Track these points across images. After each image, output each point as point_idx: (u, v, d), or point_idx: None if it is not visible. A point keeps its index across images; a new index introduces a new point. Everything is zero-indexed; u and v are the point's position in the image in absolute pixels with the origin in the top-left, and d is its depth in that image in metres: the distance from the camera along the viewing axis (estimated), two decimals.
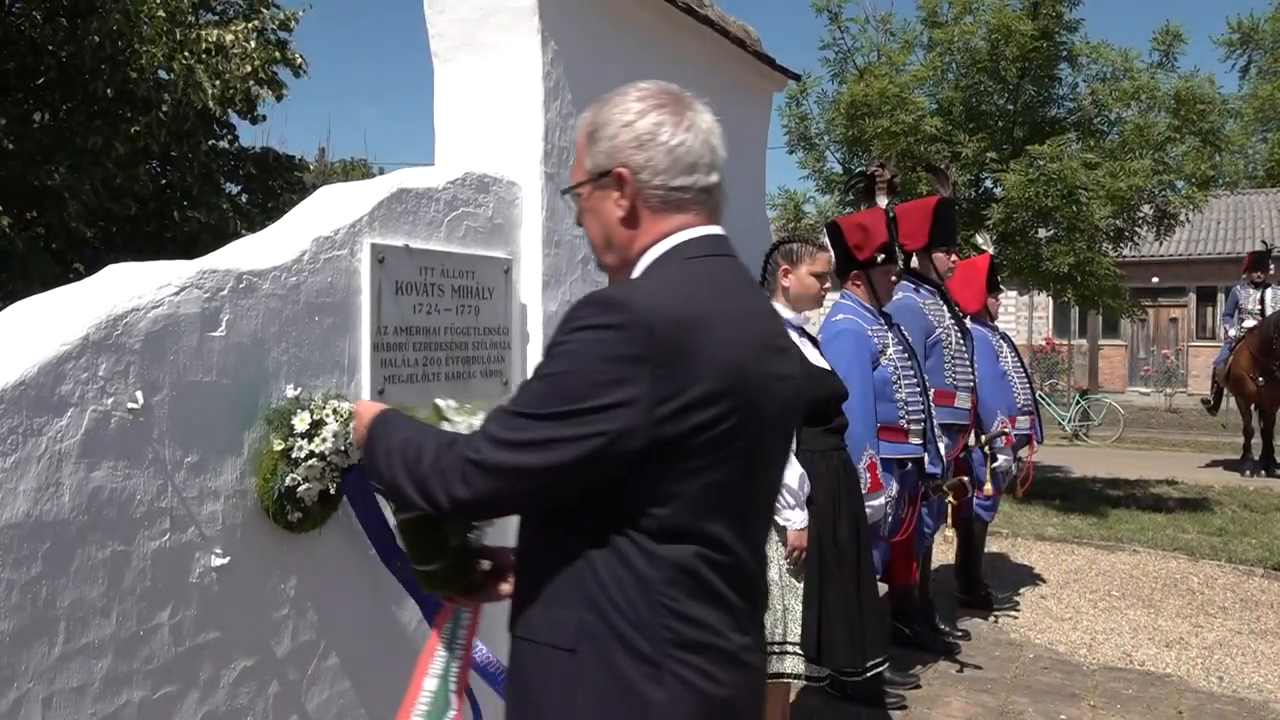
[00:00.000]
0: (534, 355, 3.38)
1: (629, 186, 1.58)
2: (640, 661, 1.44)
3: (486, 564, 1.83)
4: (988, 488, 5.40)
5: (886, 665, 3.81)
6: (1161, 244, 11.06)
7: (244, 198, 12.00)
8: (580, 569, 1.48)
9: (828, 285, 3.64)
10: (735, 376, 1.46)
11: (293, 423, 2.37)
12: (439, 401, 1.79)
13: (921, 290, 5.01)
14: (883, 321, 4.36)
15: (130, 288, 2.15)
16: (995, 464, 5.43)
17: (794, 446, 1.68)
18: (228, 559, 2.28)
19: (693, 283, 1.53)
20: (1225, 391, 12.22)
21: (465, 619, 1.93)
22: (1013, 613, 5.97)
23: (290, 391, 2.46)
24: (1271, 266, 12.20)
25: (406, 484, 1.55)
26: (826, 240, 4.36)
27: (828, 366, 3.59)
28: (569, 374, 1.43)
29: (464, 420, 1.73)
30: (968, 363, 5.11)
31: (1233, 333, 11.95)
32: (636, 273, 1.59)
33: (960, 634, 5.47)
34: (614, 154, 1.59)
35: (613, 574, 1.45)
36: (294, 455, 2.36)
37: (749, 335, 1.53)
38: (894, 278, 4.46)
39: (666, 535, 1.45)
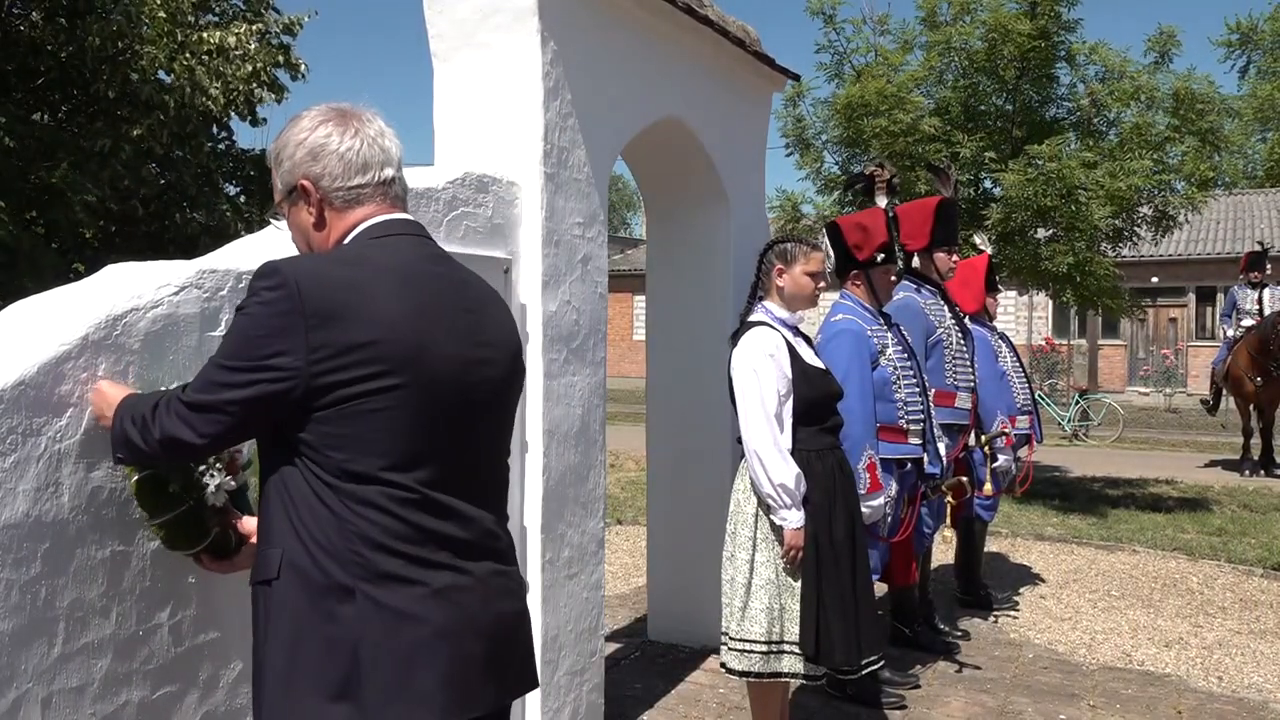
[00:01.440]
0: (533, 355, 3.39)
1: (313, 194, 1.80)
2: (334, 588, 1.63)
3: (249, 533, 2.05)
4: (987, 488, 5.40)
5: (883, 664, 3.81)
6: (1160, 244, 11.06)
7: (243, 199, 11.99)
8: (287, 510, 1.68)
9: (822, 285, 3.64)
10: (389, 332, 1.64)
11: None
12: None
13: (923, 290, 5.01)
14: (882, 321, 4.36)
15: (130, 288, 2.15)
16: (995, 464, 5.43)
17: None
18: None
19: (357, 253, 1.76)
20: (1224, 392, 12.23)
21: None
22: (1012, 613, 5.97)
23: None
24: (1269, 266, 12.21)
25: (133, 431, 1.77)
26: (823, 240, 4.36)
27: (823, 366, 3.59)
28: (242, 331, 1.67)
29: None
30: (968, 363, 5.11)
31: (1231, 333, 11.96)
32: None
33: (960, 634, 5.47)
34: (295, 170, 1.81)
35: (310, 511, 1.65)
36: None
37: (414, 298, 1.71)
38: (894, 278, 4.45)
39: (351, 477, 1.64)
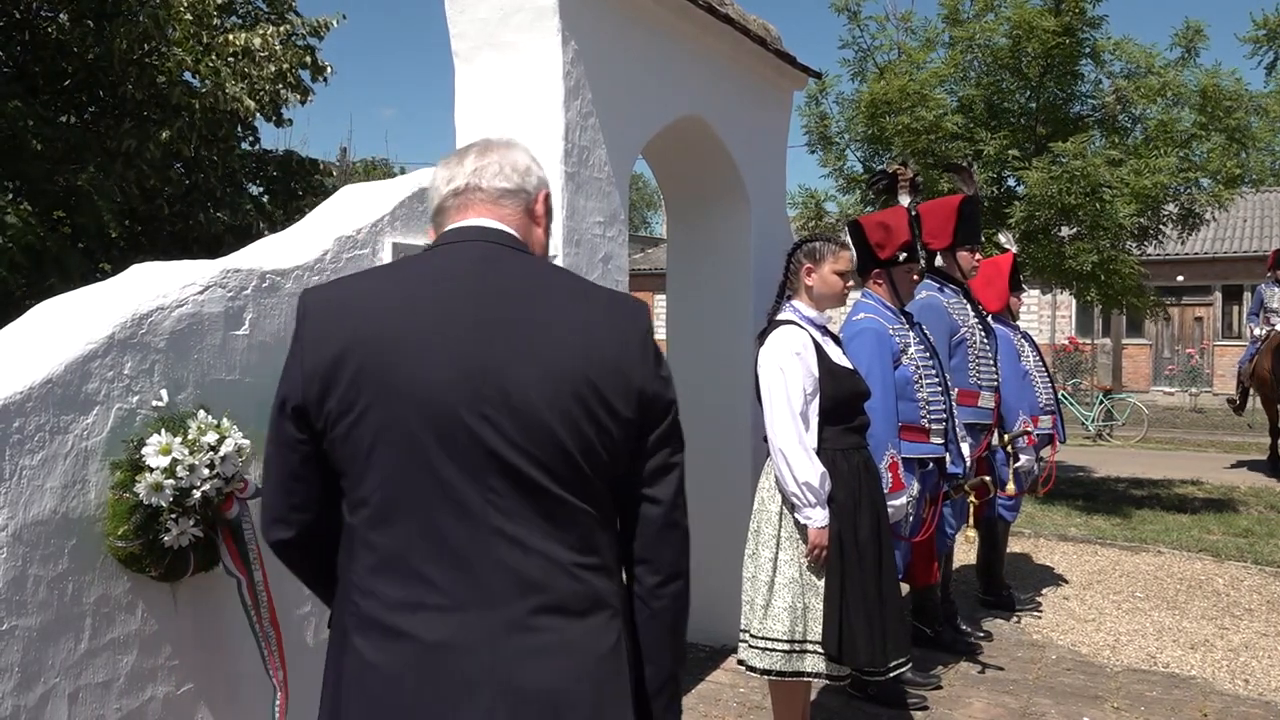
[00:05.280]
0: None
1: (431, 234, 1.76)
2: (340, 635, 1.55)
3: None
4: (1010, 488, 5.37)
5: (909, 665, 3.79)
6: (1186, 242, 10.95)
7: (266, 199, 12.09)
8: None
9: (850, 284, 3.63)
10: (355, 353, 1.52)
11: None
12: None
13: (946, 289, 4.98)
14: (904, 321, 4.34)
15: (155, 287, 2.17)
16: (1018, 464, 5.39)
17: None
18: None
19: (377, 272, 1.71)
20: (1251, 391, 12.09)
21: (247, 609, 2.16)
22: (1035, 614, 5.93)
23: None
24: None
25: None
26: (848, 238, 4.34)
27: (850, 366, 3.58)
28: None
29: None
30: (992, 362, 5.08)
31: (1258, 331, 11.81)
32: None
33: (982, 635, 5.44)
34: None
35: (342, 550, 1.58)
36: None
37: (393, 316, 1.55)
38: (916, 277, 4.43)
39: (352, 507, 1.55)
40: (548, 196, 1.77)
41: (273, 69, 10.55)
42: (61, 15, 9.81)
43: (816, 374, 3.40)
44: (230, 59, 10.23)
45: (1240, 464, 12.97)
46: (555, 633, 1.49)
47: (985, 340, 5.06)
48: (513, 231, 1.67)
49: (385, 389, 1.50)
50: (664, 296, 5.47)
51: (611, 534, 1.61)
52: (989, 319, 5.36)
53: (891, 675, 3.71)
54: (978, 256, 5.18)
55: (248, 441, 2.13)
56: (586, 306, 1.61)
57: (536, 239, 1.73)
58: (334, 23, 11.88)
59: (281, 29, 10.95)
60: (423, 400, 1.50)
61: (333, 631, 1.60)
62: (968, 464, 4.64)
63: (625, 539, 1.63)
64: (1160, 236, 9.95)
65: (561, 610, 1.50)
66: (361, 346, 1.52)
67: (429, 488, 1.50)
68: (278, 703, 2.17)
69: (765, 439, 3.44)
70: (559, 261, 3.40)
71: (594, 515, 1.56)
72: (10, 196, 8.60)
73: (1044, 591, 6.42)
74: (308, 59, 11.12)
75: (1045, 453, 6.11)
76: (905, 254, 4.30)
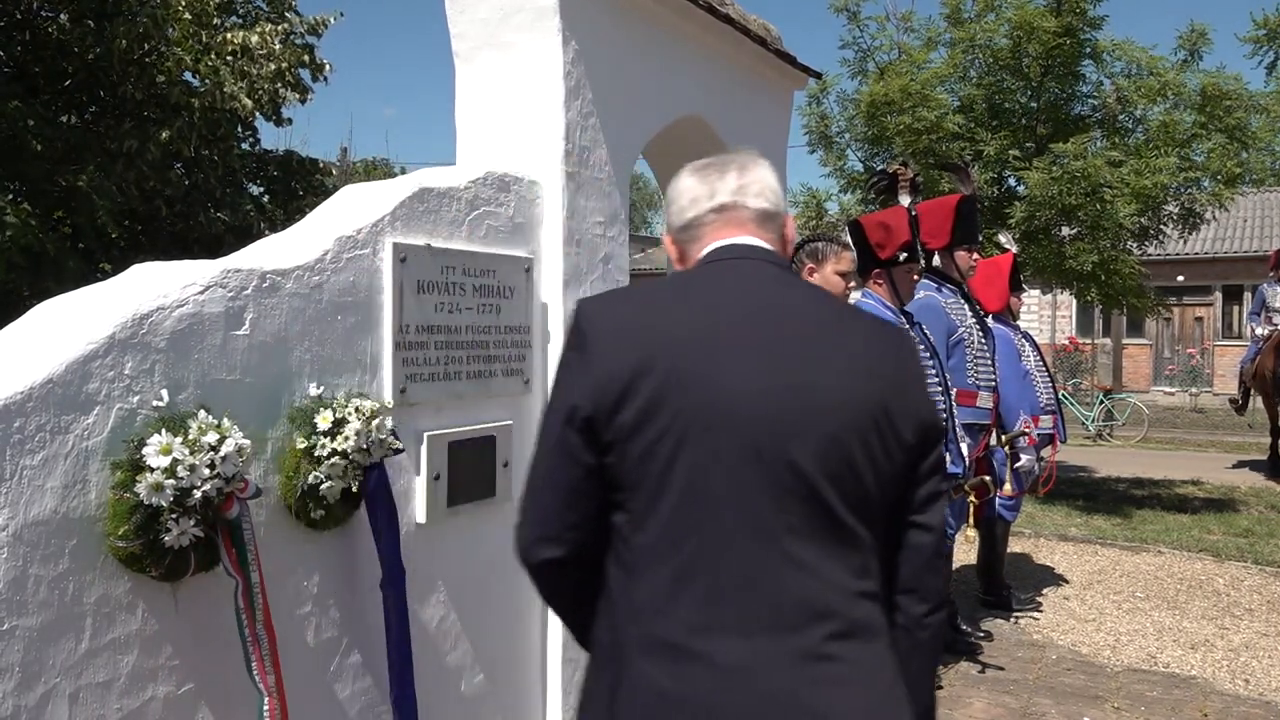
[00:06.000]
0: (554, 354, 3.39)
1: (671, 247, 1.77)
2: (617, 657, 1.49)
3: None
4: (1008, 487, 5.37)
5: None
6: (1186, 242, 10.95)
7: (266, 199, 12.09)
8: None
9: (852, 284, 3.63)
10: (657, 364, 1.48)
11: (315, 421, 2.40)
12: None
13: (944, 289, 4.98)
14: (904, 320, 4.34)
15: (156, 287, 2.17)
16: (1018, 464, 5.39)
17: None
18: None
19: (659, 285, 1.65)
20: (1252, 391, 12.08)
21: (238, 612, 2.15)
22: (1035, 614, 5.93)
23: (313, 390, 2.48)
24: None
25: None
26: (848, 238, 4.35)
27: None
28: (555, 374, 1.62)
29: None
30: (990, 362, 5.08)
31: (1260, 331, 11.81)
32: None
33: (982, 635, 5.44)
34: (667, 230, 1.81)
35: (617, 569, 1.53)
36: (317, 453, 2.38)
37: (697, 328, 1.53)
38: (915, 276, 4.44)
39: (637, 523, 1.49)
40: (791, 220, 1.80)
41: (272, 68, 10.55)
42: (62, 15, 9.81)
43: None
44: (229, 57, 10.23)
45: (1241, 464, 12.97)
46: (847, 662, 1.45)
47: (983, 340, 5.06)
48: (778, 253, 1.70)
49: (691, 403, 1.47)
50: None
51: (879, 562, 1.57)
52: (988, 319, 5.36)
53: None
54: (975, 256, 5.18)
55: (248, 441, 2.13)
56: (865, 331, 1.63)
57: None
58: (331, 20, 11.87)
59: (280, 27, 10.95)
60: (729, 416, 1.47)
61: (602, 651, 1.55)
62: (967, 464, 4.63)
63: (891, 567, 1.59)
64: (1160, 236, 9.95)
65: (850, 637, 1.46)
66: (664, 359, 1.49)
67: (727, 506, 1.46)
68: (266, 708, 2.16)
69: None
70: (559, 261, 3.40)
71: (870, 542, 1.53)
72: (10, 197, 8.60)
73: (1044, 591, 6.42)
74: (306, 58, 11.11)
75: (1046, 453, 6.11)
76: (905, 254, 4.30)
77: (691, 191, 1.72)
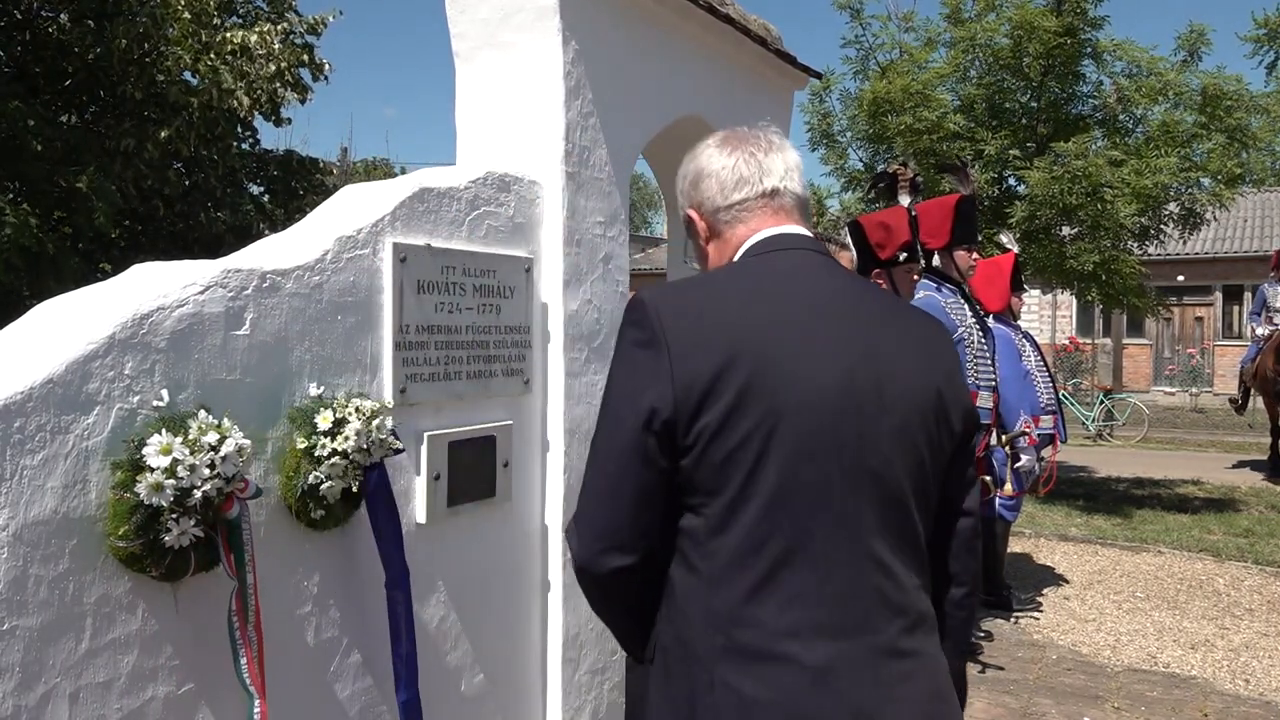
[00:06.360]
0: (555, 354, 3.39)
1: (699, 223, 1.71)
2: (696, 666, 1.45)
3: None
4: (1008, 487, 5.37)
5: None
6: (1187, 242, 10.95)
7: (267, 199, 12.10)
8: (667, 581, 1.53)
9: None
10: (742, 359, 1.43)
11: (315, 421, 2.39)
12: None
13: (943, 289, 4.98)
14: None
15: (156, 287, 2.17)
16: (1018, 464, 5.40)
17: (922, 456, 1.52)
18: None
19: (719, 277, 1.61)
20: (1253, 391, 12.08)
21: (230, 614, 2.16)
22: (1035, 614, 5.93)
23: (313, 390, 2.48)
24: None
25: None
26: (848, 238, 4.35)
27: None
28: (613, 372, 1.55)
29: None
30: (989, 362, 5.09)
31: (1261, 331, 11.81)
32: None
33: (982, 635, 5.44)
34: (685, 202, 1.75)
35: (688, 576, 1.48)
36: (317, 453, 2.38)
37: (773, 321, 1.49)
38: (915, 276, 4.44)
39: (715, 528, 1.44)
40: None
41: (271, 68, 10.56)
42: (62, 15, 9.82)
43: None
44: (228, 57, 10.24)
45: (1241, 464, 12.97)
46: (918, 657, 1.47)
47: (983, 340, 5.06)
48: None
49: (779, 403, 1.42)
50: None
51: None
52: (988, 318, 5.36)
53: None
54: (975, 256, 5.19)
55: (248, 441, 2.13)
56: (917, 321, 1.63)
57: None
58: (331, 19, 11.87)
59: (280, 27, 10.96)
60: (817, 414, 1.44)
61: (671, 660, 1.49)
62: None
63: (933, 551, 1.59)
64: (1161, 236, 9.95)
65: (917, 630, 1.48)
66: (747, 358, 1.43)
67: (816, 506, 1.43)
68: (257, 711, 2.16)
69: None
70: (559, 261, 3.40)
71: (922, 534, 1.54)
72: (10, 197, 8.61)
73: (1044, 591, 6.42)
74: (305, 57, 11.12)
75: (1046, 453, 6.11)
76: (905, 254, 4.31)
77: (738, 171, 1.66)
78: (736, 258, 1.64)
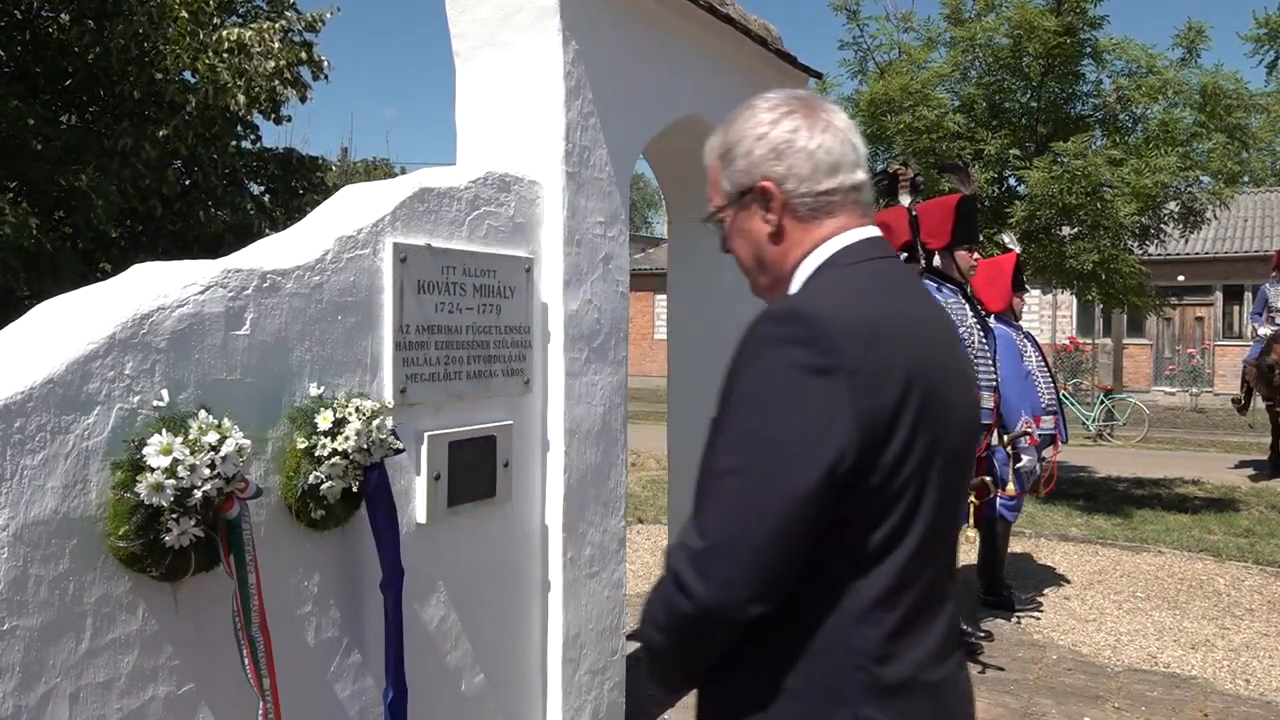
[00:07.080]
0: (555, 354, 3.39)
1: (775, 200, 1.46)
2: (830, 706, 1.36)
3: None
4: (1010, 488, 5.37)
5: None
6: (1187, 241, 10.95)
7: (267, 198, 12.09)
8: None
9: None
10: (916, 387, 1.31)
11: (316, 421, 2.39)
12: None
13: (944, 289, 4.98)
14: None
15: (156, 287, 2.17)
16: (1019, 464, 5.40)
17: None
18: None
19: (860, 288, 1.40)
20: (1254, 391, 12.08)
21: (233, 614, 2.16)
22: (1035, 614, 5.93)
23: (313, 390, 2.48)
24: None
25: (655, 629, 1.44)
26: None
27: None
28: (768, 400, 1.28)
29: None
30: (990, 362, 5.08)
31: (1263, 330, 11.81)
32: (793, 288, 1.47)
33: (983, 635, 5.44)
34: (753, 169, 1.48)
35: (812, 614, 1.37)
36: (317, 453, 2.38)
37: (926, 343, 1.37)
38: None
39: (865, 564, 1.32)
40: None
41: (270, 65, 10.54)
42: (62, 15, 9.82)
43: None
44: (226, 54, 10.23)
45: (1241, 464, 12.97)
46: (965, 667, 1.51)
47: (984, 340, 5.06)
48: None
49: (936, 434, 1.32)
50: (664, 296, 5.46)
51: None
52: (989, 318, 5.36)
53: None
54: (976, 256, 5.18)
55: (248, 441, 2.13)
56: (957, 336, 1.55)
57: None
58: (328, 15, 11.84)
59: (278, 25, 10.94)
60: (958, 445, 1.38)
61: (815, 707, 1.33)
62: None
63: None
64: (1161, 236, 9.94)
65: (960, 644, 1.50)
66: (919, 386, 1.30)
67: (944, 533, 1.39)
68: (260, 712, 2.16)
69: None
70: (559, 261, 3.40)
71: None
72: (10, 197, 8.61)
73: (1045, 591, 6.42)
74: (304, 55, 11.10)
75: (1047, 453, 6.11)
76: (905, 254, 4.31)
77: (834, 154, 1.46)
78: (822, 258, 1.44)
